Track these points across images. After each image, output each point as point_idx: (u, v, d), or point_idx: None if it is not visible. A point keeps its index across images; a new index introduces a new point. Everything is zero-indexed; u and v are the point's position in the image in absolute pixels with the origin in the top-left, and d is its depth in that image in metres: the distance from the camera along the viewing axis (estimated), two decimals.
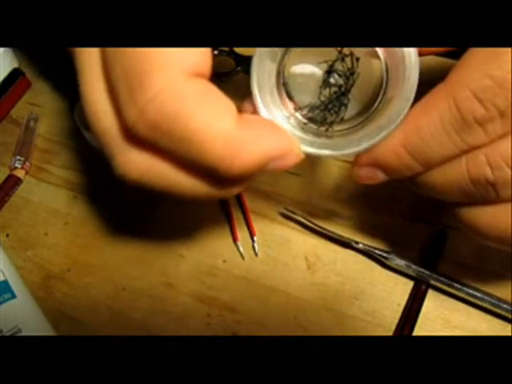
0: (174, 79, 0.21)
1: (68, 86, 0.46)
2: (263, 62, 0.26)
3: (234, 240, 0.35)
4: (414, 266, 0.32)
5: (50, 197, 0.39)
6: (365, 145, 0.24)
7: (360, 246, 0.33)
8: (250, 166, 0.21)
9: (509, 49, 0.20)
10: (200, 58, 0.24)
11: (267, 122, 0.24)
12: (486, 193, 0.22)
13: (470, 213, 0.24)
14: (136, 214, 0.37)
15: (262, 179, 0.38)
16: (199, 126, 0.21)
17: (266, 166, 0.22)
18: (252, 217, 0.36)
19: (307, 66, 0.27)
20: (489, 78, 0.20)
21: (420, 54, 0.23)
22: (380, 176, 0.25)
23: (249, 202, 0.37)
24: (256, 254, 0.34)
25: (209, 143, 0.21)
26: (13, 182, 0.39)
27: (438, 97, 0.22)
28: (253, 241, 0.35)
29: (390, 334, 0.31)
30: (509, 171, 0.21)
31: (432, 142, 0.22)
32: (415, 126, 0.22)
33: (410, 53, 0.23)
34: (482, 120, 0.21)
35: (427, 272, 0.32)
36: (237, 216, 0.36)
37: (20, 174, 0.40)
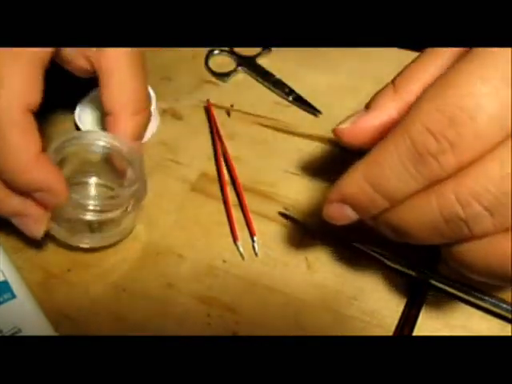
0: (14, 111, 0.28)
1: (68, 86, 0.46)
2: None
3: (234, 240, 0.35)
4: (413, 266, 0.32)
5: None
6: None
7: (360, 246, 0.33)
8: (29, 184, 0.29)
9: (458, 80, 0.21)
10: (39, 97, 0.30)
11: (52, 170, 0.30)
12: (459, 230, 0.22)
13: (457, 252, 0.23)
14: None
15: (263, 179, 0.38)
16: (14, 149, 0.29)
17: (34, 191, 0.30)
18: (252, 217, 0.36)
19: None
20: (438, 111, 0.21)
21: None
22: (349, 213, 0.25)
23: (249, 202, 0.37)
24: (256, 254, 0.34)
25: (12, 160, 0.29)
26: None
27: (396, 131, 0.22)
28: (253, 241, 0.35)
29: (390, 334, 0.31)
30: (479, 207, 0.21)
31: (391, 175, 0.22)
32: (375, 159, 0.23)
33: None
34: (435, 152, 0.21)
35: (427, 272, 0.32)
36: (237, 216, 0.36)
37: None
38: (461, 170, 0.21)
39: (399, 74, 0.26)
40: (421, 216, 0.23)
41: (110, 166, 0.35)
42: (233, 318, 0.32)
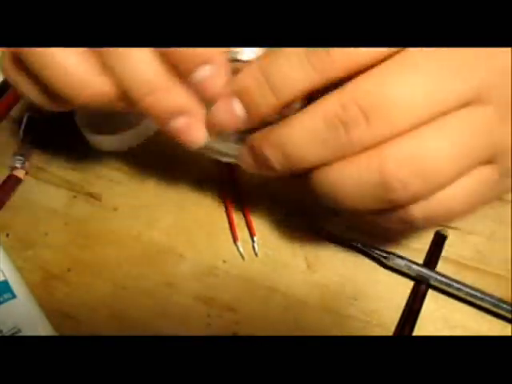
0: None
1: None
2: None
3: (234, 240, 0.35)
4: (413, 266, 0.32)
5: (49, 197, 0.39)
6: None
7: (360, 246, 0.33)
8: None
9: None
10: None
11: None
12: (338, 137, 0.22)
13: (332, 172, 0.24)
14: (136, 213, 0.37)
15: (263, 179, 0.38)
16: None
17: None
18: (252, 217, 0.36)
19: None
20: None
21: None
22: (237, 110, 0.24)
23: (249, 202, 0.37)
24: (256, 254, 0.34)
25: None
26: (13, 182, 0.39)
27: None
28: (253, 241, 0.35)
29: (390, 334, 0.31)
30: (357, 110, 0.22)
31: (287, 67, 0.23)
32: (275, 55, 0.23)
33: None
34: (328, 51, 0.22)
35: (427, 272, 0.32)
36: (237, 216, 0.36)
37: (20, 174, 0.40)
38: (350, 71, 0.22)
39: None
40: (305, 124, 0.23)
41: None
42: (233, 318, 0.32)
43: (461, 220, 0.34)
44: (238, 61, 0.28)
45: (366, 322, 0.31)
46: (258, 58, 0.24)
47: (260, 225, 0.36)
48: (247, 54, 0.28)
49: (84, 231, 0.37)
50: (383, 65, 0.22)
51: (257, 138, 0.25)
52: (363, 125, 0.22)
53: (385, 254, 0.32)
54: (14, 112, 0.44)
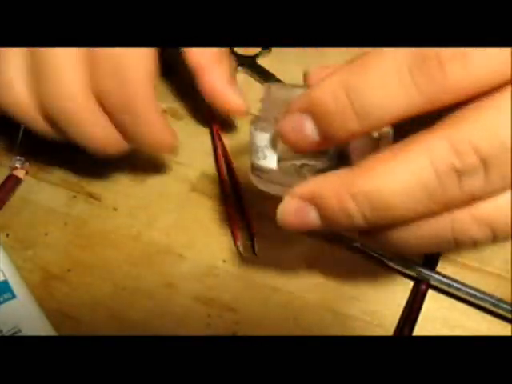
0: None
1: None
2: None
3: (234, 240, 0.35)
4: (413, 266, 0.32)
5: (49, 197, 0.39)
6: None
7: (360, 246, 0.33)
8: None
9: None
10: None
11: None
12: (451, 187, 0.18)
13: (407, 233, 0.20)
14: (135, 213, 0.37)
15: None
16: None
17: None
18: (252, 217, 0.36)
19: None
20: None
21: None
22: (308, 129, 0.20)
23: (249, 202, 0.37)
24: (255, 254, 0.34)
25: None
26: (13, 182, 0.39)
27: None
28: (252, 241, 0.35)
29: (390, 334, 0.31)
30: (475, 157, 0.17)
31: (377, 84, 0.18)
32: (362, 64, 0.19)
33: None
34: (445, 60, 0.17)
35: (427, 272, 0.32)
36: (237, 216, 0.36)
37: (20, 174, 0.40)
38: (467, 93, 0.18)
39: None
40: (408, 173, 0.18)
41: None
42: (233, 317, 0.32)
43: None
44: None
45: (366, 322, 0.31)
46: (342, 67, 0.19)
47: (260, 225, 0.36)
48: None
49: (84, 231, 0.37)
50: (501, 95, 0.17)
51: (324, 187, 0.20)
52: (481, 175, 0.18)
53: (385, 254, 0.32)
54: None
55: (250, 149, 0.25)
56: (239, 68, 0.45)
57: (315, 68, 0.25)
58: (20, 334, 0.30)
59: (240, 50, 0.45)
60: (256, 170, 0.24)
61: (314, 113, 0.20)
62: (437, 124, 0.18)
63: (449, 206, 0.19)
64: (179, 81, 0.45)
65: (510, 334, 0.30)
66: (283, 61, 0.45)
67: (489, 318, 0.31)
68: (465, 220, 0.19)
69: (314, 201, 0.20)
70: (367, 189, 0.19)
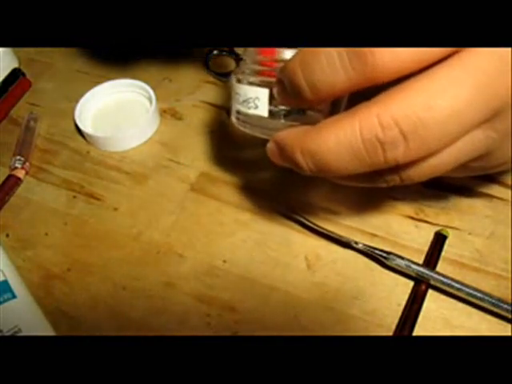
0: None
1: (68, 86, 0.46)
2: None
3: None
4: (413, 266, 0.32)
5: (50, 197, 0.39)
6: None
7: (360, 246, 0.33)
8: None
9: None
10: None
11: None
12: (375, 155, 0.23)
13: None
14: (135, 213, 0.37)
15: (263, 179, 0.38)
16: None
17: None
18: (252, 217, 0.36)
19: None
20: None
21: None
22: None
23: (249, 202, 0.37)
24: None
25: None
26: (13, 182, 0.39)
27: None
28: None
29: (390, 333, 0.31)
30: (397, 131, 0.22)
31: (325, 64, 0.22)
32: (315, 50, 0.23)
33: None
34: (372, 50, 0.21)
35: (427, 272, 0.32)
36: (236, 217, 0.36)
37: (20, 174, 0.40)
38: (392, 76, 0.22)
39: None
40: (340, 136, 0.23)
41: None
42: (233, 317, 0.32)
43: (460, 220, 0.35)
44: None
45: (367, 322, 0.31)
46: (300, 52, 0.24)
47: (260, 225, 0.36)
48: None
49: (84, 231, 0.37)
50: (425, 78, 0.22)
51: (288, 138, 0.25)
52: (401, 147, 0.22)
53: (385, 254, 0.32)
54: (14, 112, 0.44)
55: (234, 97, 0.29)
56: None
57: None
58: (20, 334, 0.30)
59: (240, 50, 0.45)
60: (242, 115, 0.29)
61: (279, 81, 0.25)
62: (371, 100, 0.22)
63: (376, 170, 0.23)
64: (179, 81, 0.45)
65: (509, 333, 0.30)
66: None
67: (489, 317, 0.31)
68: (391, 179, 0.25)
69: (280, 147, 0.26)
70: (312, 147, 0.24)
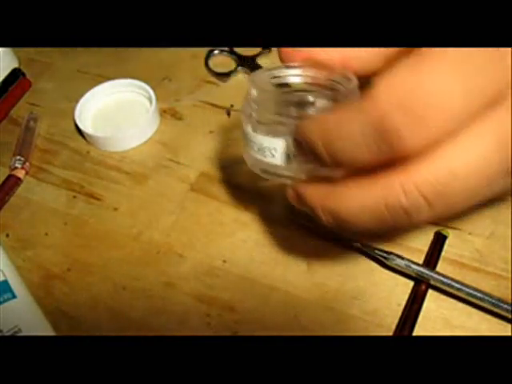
0: None
1: (68, 86, 0.46)
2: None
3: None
4: (413, 266, 0.32)
5: (50, 197, 0.39)
6: None
7: (360, 246, 0.33)
8: None
9: (430, 57, 0.20)
10: None
11: None
12: (398, 218, 0.23)
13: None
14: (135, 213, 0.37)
15: (263, 179, 0.38)
16: None
17: None
18: (252, 217, 0.36)
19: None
20: (412, 87, 0.20)
21: None
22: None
23: (249, 202, 0.37)
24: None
25: None
26: (13, 182, 0.39)
27: (365, 102, 0.21)
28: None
29: (390, 333, 0.31)
30: (421, 199, 0.22)
31: (347, 137, 0.22)
32: (336, 118, 0.22)
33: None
34: (400, 127, 0.21)
35: (427, 272, 0.32)
36: (235, 216, 0.36)
37: (20, 174, 0.40)
38: (418, 153, 0.21)
39: None
40: (363, 201, 0.23)
41: None
42: (233, 317, 0.32)
43: (461, 220, 0.35)
44: (285, 85, 0.28)
45: (367, 322, 0.31)
46: (319, 120, 0.23)
47: (260, 225, 0.36)
48: (292, 78, 0.29)
49: (84, 231, 0.37)
50: (446, 143, 0.21)
51: (308, 194, 0.26)
52: (426, 211, 0.22)
53: (385, 254, 0.32)
54: (14, 112, 0.44)
55: (249, 144, 0.29)
56: (239, 68, 0.45)
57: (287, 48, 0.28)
58: (20, 334, 0.30)
59: (240, 50, 0.45)
60: (259, 162, 0.28)
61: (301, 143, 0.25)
62: (394, 167, 0.22)
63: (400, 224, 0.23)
64: (179, 81, 0.45)
65: (509, 333, 0.30)
66: None
67: (489, 317, 0.31)
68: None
69: (300, 198, 0.26)
70: (333, 208, 0.24)
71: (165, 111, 0.43)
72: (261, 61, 0.45)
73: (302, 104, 0.26)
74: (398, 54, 0.25)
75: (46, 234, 0.37)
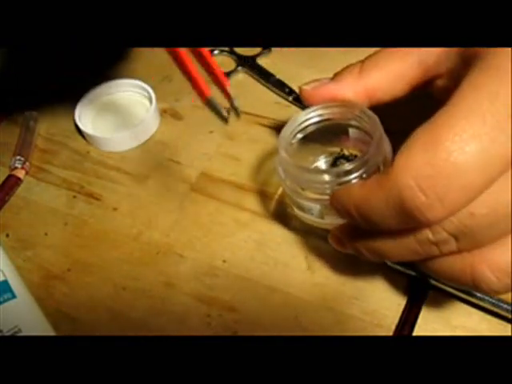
0: None
1: (68, 86, 0.46)
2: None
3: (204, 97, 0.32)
4: (413, 266, 0.32)
5: (50, 197, 0.39)
6: None
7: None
8: None
9: (446, 131, 0.22)
10: None
11: None
12: (430, 250, 0.25)
13: (428, 264, 0.27)
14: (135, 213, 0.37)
15: (262, 179, 0.38)
16: None
17: None
18: (252, 217, 0.36)
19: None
20: (429, 165, 0.22)
21: None
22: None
23: (249, 202, 0.37)
24: (238, 114, 0.32)
25: None
26: (13, 182, 0.39)
27: (387, 177, 0.23)
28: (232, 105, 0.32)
29: (390, 334, 0.31)
30: (446, 234, 0.24)
31: (377, 212, 0.25)
32: (366, 196, 0.25)
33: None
34: (422, 207, 0.23)
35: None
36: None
37: (20, 174, 0.40)
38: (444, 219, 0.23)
39: (370, 56, 0.29)
40: (399, 242, 0.26)
41: None
42: (233, 317, 0.32)
43: None
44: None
45: (367, 322, 0.31)
46: (352, 196, 0.26)
47: (260, 225, 0.36)
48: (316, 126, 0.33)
49: (84, 231, 0.37)
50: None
51: (344, 233, 0.30)
52: (454, 244, 0.24)
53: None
54: (14, 112, 0.44)
55: (291, 199, 0.33)
56: (239, 68, 0.45)
57: (307, 84, 0.32)
58: (20, 334, 0.30)
59: (240, 50, 0.45)
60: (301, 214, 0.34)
61: (341, 214, 0.28)
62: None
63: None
64: (179, 81, 0.45)
65: (509, 333, 0.30)
66: (283, 61, 0.45)
67: (489, 317, 0.31)
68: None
69: (338, 240, 0.30)
70: (369, 244, 0.28)
71: (165, 111, 0.43)
72: (261, 61, 0.45)
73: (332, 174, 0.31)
74: (417, 78, 0.28)
75: (46, 234, 0.37)
